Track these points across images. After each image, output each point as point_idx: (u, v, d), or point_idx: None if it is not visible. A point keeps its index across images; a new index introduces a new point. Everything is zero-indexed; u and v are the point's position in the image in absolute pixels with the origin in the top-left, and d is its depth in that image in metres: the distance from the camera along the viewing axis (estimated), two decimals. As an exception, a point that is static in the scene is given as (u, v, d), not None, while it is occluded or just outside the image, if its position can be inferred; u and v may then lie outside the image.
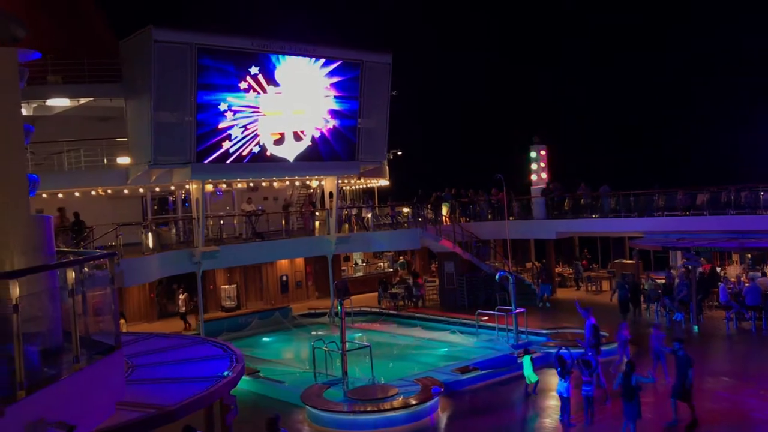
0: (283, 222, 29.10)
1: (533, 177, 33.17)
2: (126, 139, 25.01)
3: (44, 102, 24.21)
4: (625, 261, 32.36)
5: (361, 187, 38.52)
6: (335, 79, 27.84)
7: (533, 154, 33.30)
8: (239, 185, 30.41)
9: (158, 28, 22.95)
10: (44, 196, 24.19)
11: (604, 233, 32.86)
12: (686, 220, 26.50)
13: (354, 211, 32.76)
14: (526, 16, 66.58)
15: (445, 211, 32.87)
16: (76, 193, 25.54)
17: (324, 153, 28.14)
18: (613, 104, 61.58)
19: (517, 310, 22.21)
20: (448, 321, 26.00)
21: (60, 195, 25.11)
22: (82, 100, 24.82)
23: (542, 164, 33.32)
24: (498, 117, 59.63)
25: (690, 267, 23.92)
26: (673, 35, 61.51)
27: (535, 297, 28.61)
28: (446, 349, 22.97)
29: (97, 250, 11.41)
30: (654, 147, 59.37)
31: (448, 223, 31.96)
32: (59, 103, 24.61)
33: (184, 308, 27.24)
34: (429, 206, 33.52)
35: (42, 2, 28.54)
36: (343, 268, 34.45)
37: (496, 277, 24.44)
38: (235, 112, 25.43)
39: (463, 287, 29.69)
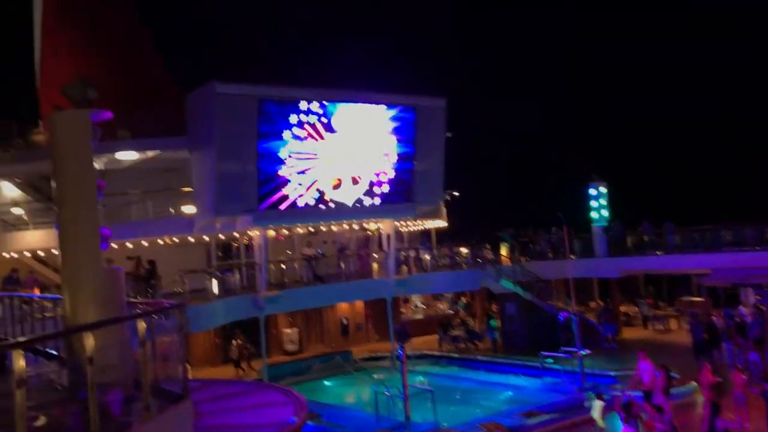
0: (342, 265, 29.39)
1: (593, 214, 32.59)
2: (191, 189, 25.87)
3: (114, 156, 25.35)
4: (693, 299, 31.26)
5: (418, 228, 38.60)
6: (390, 124, 28.29)
7: (593, 191, 32.79)
8: (299, 230, 30.95)
9: (221, 81, 23.89)
10: (114, 246, 25.13)
11: (669, 271, 31.92)
12: (756, 255, 25.55)
13: (412, 253, 32.82)
14: (584, 53, 66.30)
15: (504, 250, 32.58)
16: (144, 243, 26.45)
17: (381, 197, 28.44)
18: (673, 138, 60.32)
19: (582, 352, 21.69)
20: (511, 363, 25.56)
21: (129, 245, 26.05)
22: (150, 153, 25.90)
23: (602, 201, 32.75)
24: (556, 154, 59.15)
25: (763, 305, 22.97)
26: (733, 63, 60.17)
27: (600, 337, 27.87)
28: (510, 393, 22.55)
29: (166, 301, 11.80)
30: (719, 181, 57.65)
31: (508, 263, 31.63)
32: (128, 156, 25.72)
33: (236, 354, 27.50)
34: (488, 246, 33.30)
35: (112, 60, 30.17)
36: (402, 310, 34.40)
37: (560, 317, 23.98)
38: (295, 159, 26.07)
39: (525, 328, 29.19)
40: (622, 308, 32.72)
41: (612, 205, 33.22)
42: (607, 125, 62.89)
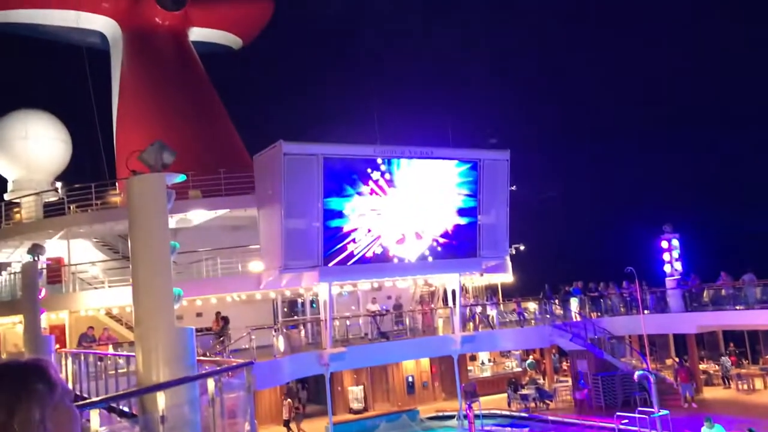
0: (407, 321, 29.15)
1: (666, 268, 31.48)
2: (258, 246, 26.38)
3: (185, 215, 26.18)
4: (780, 356, 29.57)
5: (484, 283, 38.08)
6: (454, 179, 28.31)
7: (665, 244, 31.77)
8: (364, 285, 30.97)
9: (287, 142, 24.55)
10: (184, 303, 25.70)
11: (751, 326, 30.32)
12: None
13: (478, 309, 32.30)
14: (653, 101, 65.42)
15: (574, 306, 31.72)
16: (213, 299, 26.96)
17: (445, 251, 28.28)
18: (751, 186, 58.25)
19: (660, 413, 20.64)
20: (584, 424, 24.54)
21: (198, 302, 26.60)
22: (220, 212, 26.63)
23: (675, 254, 31.65)
24: (626, 206, 57.88)
25: None
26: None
27: (678, 397, 26.53)
28: (584, 456, 21.58)
29: (234, 359, 11.89)
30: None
31: (578, 319, 30.73)
32: (199, 216, 26.51)
33: (287, 415, 27.24)
34: (557, 302, 32.49)
35: (185, 123, 31.46)
36: (469, 367, 33.69)
37: (635, 376, 23.00)
38: (359, 215, 26.31)
39: (598, 387, 28.08)
40: (701, 366, 31.17)
41: (686, 257, 32.07)
42: (679, 174, 61.39)
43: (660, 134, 64.12)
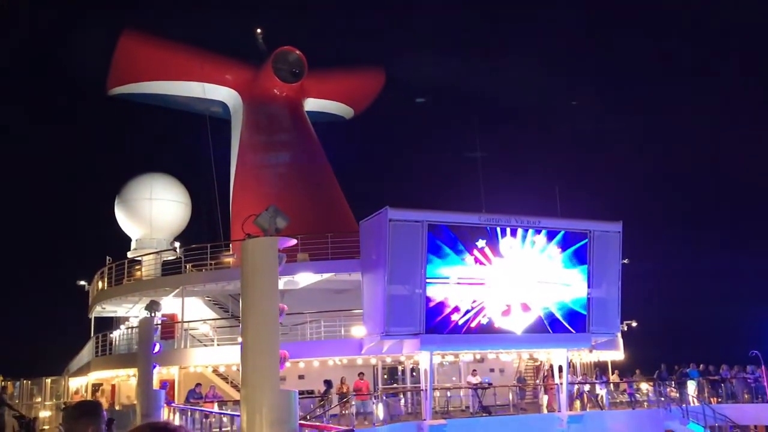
0: (510, 396, 28.13)
1: (798, 352, 28.94)
2: (361, 311, 26.49)
3: (292, 277, 26.80)
4: None
5: (592, 360, 36.33)
6: (562, 250, 27.54)
7: (795, 327, 29.33)
8: (465, 356, 30.28)
9: (393, 208, 24.83)
10: (288, 365, 26.05)
11: None
12: None
13: (586, 387, 30.72)
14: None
15: (691, 389, 29.57)
16: (315, 363, 27.14)
17: (553, 325, 27.30)
18: None
19: None
20: None
21: (301, 364, 26.86)
22: (325, 275, 27.09)
23: (808, 337, 29.10)
24: (749, 285, 54.17)
25: None
26: None
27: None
28: None
29: (335, 426, 11.80)
30: None
31: (696, 404, 28.56)
32: (305, 278, 27.06)
33: None
34: (672, 383, 30.45)
35: (296, 189, 32.61)
36: (576, 449, 31.84)
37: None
38: (463, 284, 25.97)
39: (720, 481, 25.78)
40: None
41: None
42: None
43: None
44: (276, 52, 36.90)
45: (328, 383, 24.01)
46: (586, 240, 27.73)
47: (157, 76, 37.78)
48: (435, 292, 25.44)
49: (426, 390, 25.38)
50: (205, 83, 37.46)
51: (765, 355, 24.86)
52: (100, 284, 33.82)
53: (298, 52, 37.19)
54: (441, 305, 25.59)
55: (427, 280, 25.22)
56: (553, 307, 27.36)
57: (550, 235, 27.38)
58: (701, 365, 30.93)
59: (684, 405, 28.40)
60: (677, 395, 29.65)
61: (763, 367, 25.22)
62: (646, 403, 29.91)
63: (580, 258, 27.69)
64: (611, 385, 31.71)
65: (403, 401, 27.16)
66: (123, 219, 38.79)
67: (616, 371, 33.63)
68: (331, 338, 27.06)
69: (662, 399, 29.51)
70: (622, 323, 30.49)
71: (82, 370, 35.94)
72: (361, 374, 26.87)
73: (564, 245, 27.54)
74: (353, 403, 23.60)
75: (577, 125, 64.33)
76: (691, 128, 64.67)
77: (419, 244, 25.05)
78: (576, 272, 27.68)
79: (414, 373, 29.74)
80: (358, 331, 26.53)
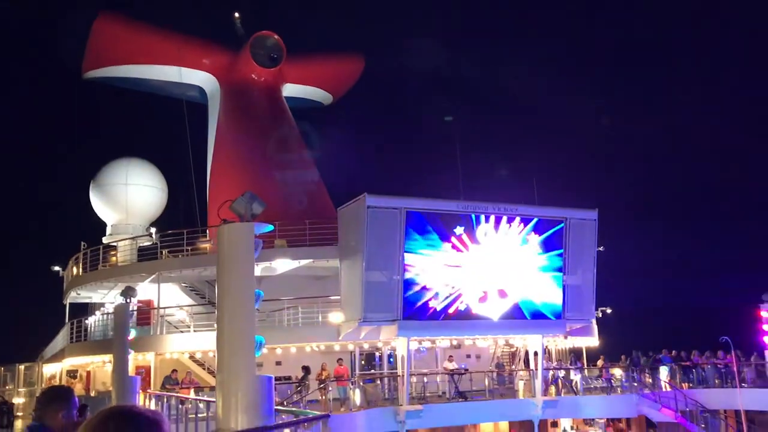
0: (486, 382, 28.40)
1: (766, 339, 29.54)
2: (339, 297, 26.52)
3: (270, 264, 26.71)
4: None
5: (567, 346, 36.76)
6: (538, 237, 27.73)
7: (765, 314, 29.87)
8: (442, 342, 30.48)
9: (371, 195, 24.82)
10: (264, 351, 26.02)
11: None
12: None
13: (561, 373, 31.11)
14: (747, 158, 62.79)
15: (664, 375, 30.08)
16: (292, 349, 27.15)
17: (529, 311, 27.53)
18: None
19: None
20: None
21: (278, 350, 26.85)
22: (303, 262, 27.04)
23: (777, 324, 29.67)
24: (721, 273, 55.11)
25: None
26: None
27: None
28: None
29: (311, 411, 11.84)
30: None
31: (668, 389, 29.08)
32: (283, 265, 26.99)
33: None
34: (645, 369, 30.94)
35: (273, 174, 32.43)
36: (550, 434, 32.30)
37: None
38: (441, 270, 26.08)
39: (690, 464, 26.32)
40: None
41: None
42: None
43: (763, 200, 61.20)
44: (254, 36, 36.54)
45: (306, 369, 24.05)
46: (562, 225, 27.95)
47: (133, 60, 37.24)
48: (412, 279, 25.52)
49: (403, 376, 25.53)
50: (181, 67, 36.99)
51: (735, 341, 25.35)
52: (74, 270, 33.45)
53: (276, 36, 36.87)
54: (419, 292, 25.68)
55: (405, 267, 25.30)
56: (529, 294, 27.59)
57: (526, 222, 27.56)
58: (673, 351, 31.43)
59: (657, 390, 28.91)
60: (650, 381, 30.15)
61: (732, 352, 25.70)
62: (619, 389, 30.36)
63: (555, 245, 27.90)
64: (586, 370, 32.12)
65: (380, 387, 27.26)
66: (98, 204, 38.31)
67: (601, 357, 34.06)
68: (309, 324, 27.05)
69: (635, 384, 29.99)
70: (596, 310, 30.88)
71: (57, 357, 35.62)
72: (340, 360, 26.94)
73: (539, 232, 27.74)
74: (331, 388, 23.64)
75: (555, 115, 64.70)
76: (667, 117, 65.35)
77: (397, 231, 25.09)
78: (552, 259, 27.88)
79: (391, 360, 29.87)
80: (336, 317, 26.55)
